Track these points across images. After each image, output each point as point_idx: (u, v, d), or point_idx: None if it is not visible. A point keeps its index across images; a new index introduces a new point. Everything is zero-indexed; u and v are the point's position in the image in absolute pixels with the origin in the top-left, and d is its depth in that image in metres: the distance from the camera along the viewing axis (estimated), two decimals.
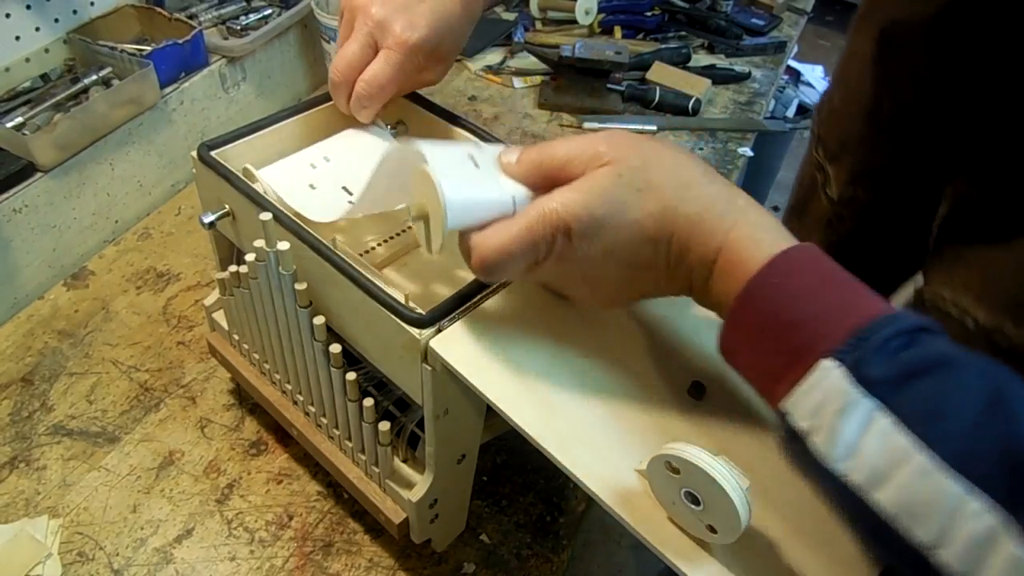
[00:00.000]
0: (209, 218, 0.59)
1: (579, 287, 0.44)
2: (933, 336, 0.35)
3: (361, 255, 0.53)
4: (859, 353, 0.34)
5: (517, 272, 0.43)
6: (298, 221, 0.54)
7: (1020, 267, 0.43)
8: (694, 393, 0.47)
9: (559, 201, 0.40)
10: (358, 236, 0.64)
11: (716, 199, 0.40)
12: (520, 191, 0.44)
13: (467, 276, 0.51)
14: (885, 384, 0.33)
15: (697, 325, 0.52)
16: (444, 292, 0.50)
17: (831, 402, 0.34)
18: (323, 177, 0.60)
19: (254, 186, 0.57)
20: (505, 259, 0.41)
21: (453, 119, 0.65)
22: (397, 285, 0.50)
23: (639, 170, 0.41)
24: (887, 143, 0.53)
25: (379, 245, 0.65)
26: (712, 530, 0.38)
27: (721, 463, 0.36)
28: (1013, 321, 0.43)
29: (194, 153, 0.59)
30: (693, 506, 0.38)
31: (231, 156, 0.60)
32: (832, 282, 0.37)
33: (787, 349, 0.36)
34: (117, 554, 0.64)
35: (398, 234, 0.65)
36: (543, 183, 0.44)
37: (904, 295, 0.53)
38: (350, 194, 0.58)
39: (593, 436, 0.44)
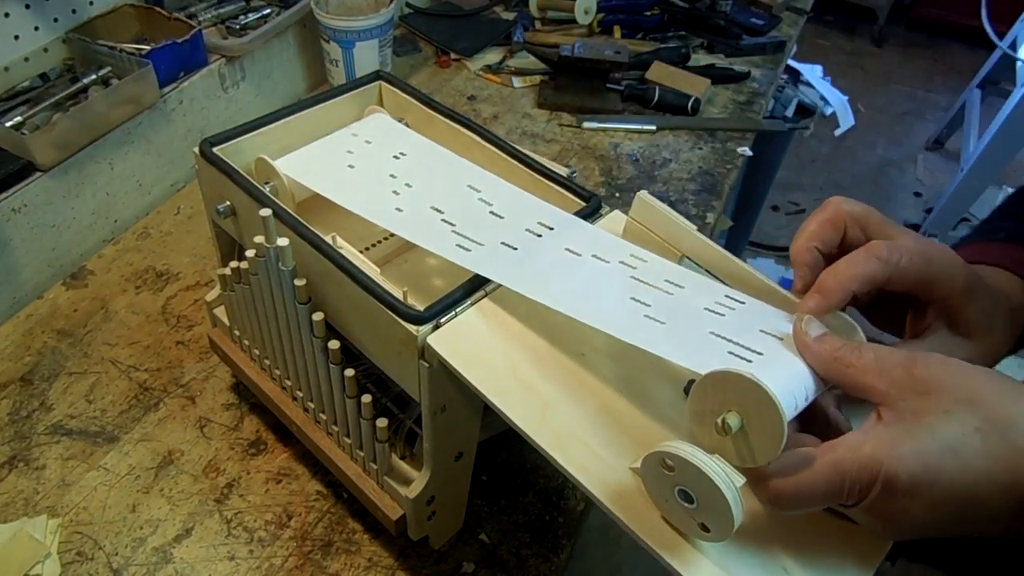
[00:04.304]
0: (222, 206, 0.60)
1: (875, 524, 0.37)
2: None
3: (361, 252, 0.53)
4: None
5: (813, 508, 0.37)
6: (297, 217, 0.54)
7: None
8: (690, 391, 0.47)
9: (880, 448, 0.34)
10: (358, 232, 0.64)
11: None
12: (810, 380, 0.39)
13: (466, 274, 0.51)
14: None
15: None
16: (443, 289, 0.50)
17: None
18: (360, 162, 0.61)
19: (280, 180, 0.58)
20: (802, 501, 0.36)
21: (455, 119, 0.65)
22: (396, 282, 0.50)
23: (971, 404, 0.34)
24: None
25: (380, 242, 0.65)
26: (705, 528, 0.38)
27: (715, 461, 0.36)
28: None
29: (196, 149, 0.60)
30: (686, 504, 0.38)
31: (233, 152, 0.60)
32: None
33: None
34: (116, 553, 0.64)
35: None
36: (835, 380, 0.39)
37: None
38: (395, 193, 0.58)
39: (588, 433, 0.44)
